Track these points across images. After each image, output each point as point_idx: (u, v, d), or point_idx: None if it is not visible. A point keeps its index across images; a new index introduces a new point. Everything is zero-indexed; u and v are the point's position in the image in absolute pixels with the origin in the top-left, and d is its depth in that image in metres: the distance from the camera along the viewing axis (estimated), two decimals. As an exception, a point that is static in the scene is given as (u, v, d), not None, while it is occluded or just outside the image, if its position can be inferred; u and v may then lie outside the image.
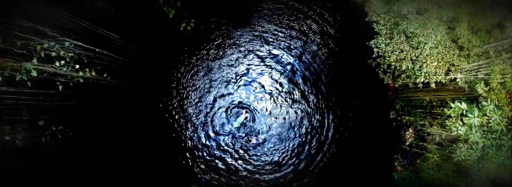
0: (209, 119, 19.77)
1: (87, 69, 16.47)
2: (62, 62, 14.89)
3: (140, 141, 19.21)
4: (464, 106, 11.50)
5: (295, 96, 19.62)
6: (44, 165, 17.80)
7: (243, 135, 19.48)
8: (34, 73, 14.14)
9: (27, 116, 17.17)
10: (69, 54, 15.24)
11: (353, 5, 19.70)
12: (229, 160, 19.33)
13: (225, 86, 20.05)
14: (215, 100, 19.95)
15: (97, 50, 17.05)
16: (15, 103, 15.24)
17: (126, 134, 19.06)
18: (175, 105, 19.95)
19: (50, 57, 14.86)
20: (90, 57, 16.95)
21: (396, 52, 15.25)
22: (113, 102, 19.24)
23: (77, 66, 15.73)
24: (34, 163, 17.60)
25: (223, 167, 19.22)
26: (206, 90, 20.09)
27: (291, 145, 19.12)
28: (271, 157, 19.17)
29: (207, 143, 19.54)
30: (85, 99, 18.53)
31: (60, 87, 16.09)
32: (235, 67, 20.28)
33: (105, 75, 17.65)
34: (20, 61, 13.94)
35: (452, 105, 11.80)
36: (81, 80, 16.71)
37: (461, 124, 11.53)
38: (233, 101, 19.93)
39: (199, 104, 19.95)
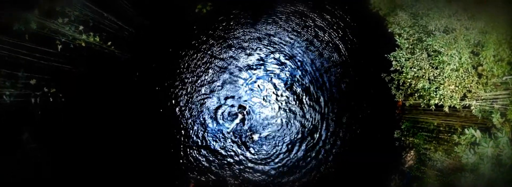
0: (210, 106, 18.91)
1: (91, 33, 15.72)
2: (66, 19, 14.04)
3: (133, 119, 18.31)
4: (478, 134, 10.80)
5: (301, 100, 18.82)
6: (28, 127, 17.02)
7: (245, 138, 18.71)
8: (34, 26, 13.32)
9: (20, 71, 16.36)
10: (75, 12, 14.39)
11: (374, 15, 19.00)
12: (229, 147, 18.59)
13: (230, 77, 19.22)
14: (218, 89, 19.10)
15: (105, 14, 16.22)
16: (9, 55, 14.44)
17: (120, 109, 18.20)
18: (175, 86, 19.07)
19: (53, 12, 14.01)
20: (96, 21, 16.15)
21: (414, 69, 14.55)
22: (113, 73, 18.42)
23: (81, 27, 14.94)
24: (17, 123, 16.84)
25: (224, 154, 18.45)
26: (210, 77, 19.22)
27: (286, 154, 18.39)
28: (268, 167, 18.42)
29: (206, 134, 18.72)
30: (84, 65, 17.75)
31: (59, 47, 15.37)
32: (243, 61, 19.42)
33: (109, 43, 16.89)
34: (20, 9, 13.07)
35: (466, 131, 11.10)
36: (83, 44, 15.99)
37: (472, 152, 10.80)
38: (234, 98, 19.07)
39: (201, 90, 19.11)
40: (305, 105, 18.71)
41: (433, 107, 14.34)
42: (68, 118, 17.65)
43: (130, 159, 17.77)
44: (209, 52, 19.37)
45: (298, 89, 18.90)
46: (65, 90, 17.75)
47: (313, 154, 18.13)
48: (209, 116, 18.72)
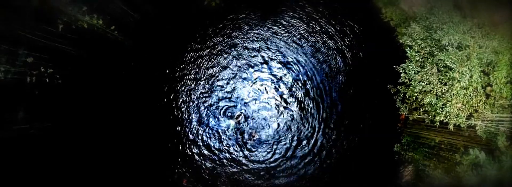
0: (209, 103, 18.39)
1: (95, 15, 15.20)
2: (69, -3, 13.53)
3: (129, 108, 17.75)
4: (483, 155, 10.44)
5: (302, 104, 18.35)
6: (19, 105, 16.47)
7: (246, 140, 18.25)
8: (35, 2, 12.79)
9: (20, 48, 15.80)
10: (79, -10, 13.84)
11: (385, 25, 18.66)
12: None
13: (232, 75, 18.71)
14: (219, 86, 18.57)
15: (111, -3, 15.77)
16: (6, 29, 13.86)
17: (117, 97, 17.66)
18: (175, 78, 18.50)
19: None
20: (101, 2, 15.60)
21: (423, 83, 14.18)
22: (113, 59, 17.87)
23: (85, 8, 14.42)
24: (13, 101, 16.25)
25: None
26: (212, 73, 18.68)
27: (280, 158, 17.93)
28: (262, 168, 17.96)
29: (203, 130, 18.20)
30: (84, 47, 17.19)
31: (61, 26, 14.84)
32: (246, 60, 18.87)
33: (112, 28, 16.37)
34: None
35: (471, 152, 10.74)
36: (85, 26, 15.47)
37: (474, 174, 10.42)
38: (234, 97, 18.55)
39: (201, 85, 18.58)
40: (306, 110, 18.29)
41: (438, 123, 13.98)
42: (63, 100, 17.09)
43: (124, 147, 17.28)
44: (213, 47, 18.87)
45: (300, 94, 18.47)
46: (63, 72, 17.17)
47: (308, 160, 17.71)
48: (206, 112, 18.24)
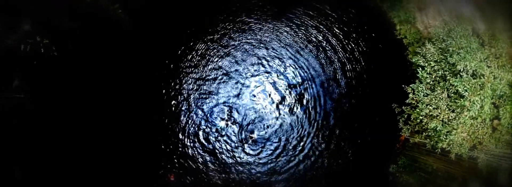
0: (208, 99, 17.51)
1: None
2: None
3: (124, 91, 16.73)
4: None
5: (302, 113, 17.59)
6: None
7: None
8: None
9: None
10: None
11: (397, 42, 18.16)
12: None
13: (236, 74, 17.81)
14: (220, 84, 17.66)
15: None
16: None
17: (112, 78, 16.66)
18: (174, 67, 17.42)
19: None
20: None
21: (430, 107, 13.63)
22: (112, 37, 16.81)
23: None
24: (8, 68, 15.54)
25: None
26: (216, 66, 17.69)
27: (271, 169, 17.27)
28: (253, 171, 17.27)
29: (197, 125, 17.31)
30: (84, 21, 16.22)
31: (62, -3, 13.87)
32: (252, 62, 17.86)
33: (116, 5, 15.50)
34: None
35: (471, 185, 10.16)
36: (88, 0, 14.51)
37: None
38: (234, 96, 17.75)
39: (202, 78, 17.56)
40: (305, 118, 17.58)
41: (439, 150, 13.46)
42: (58, 73, 16.26)
43: (115, 132, 16.34)
44: (221, 40, 17.96)
45: (301, 102, 17.71)
46: (59, 44, 16.30)
47: (295, 171, 17.02)
48: (204, 109, 17.32)
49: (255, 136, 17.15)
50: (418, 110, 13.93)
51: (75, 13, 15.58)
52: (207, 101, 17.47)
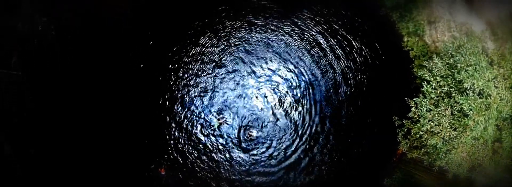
0: (207, 94, 16.99)
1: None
2: None
3: (119, 77, 16.19)
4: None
5: (299, 117, 17.17)
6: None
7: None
8: None
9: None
10: None
11: (403, 53, 17.74)
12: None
13: (237, 73, 17.29)
14: (220, 83, 17.14)
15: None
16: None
17: (107, 65, 16.11)
18: (175, 59, 16.95)
19: None
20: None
21: (432, 123, 13.13)
22: (110, 25, 16.26)
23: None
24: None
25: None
26: (218, 63, 17.23)
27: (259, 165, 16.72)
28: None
29: (192, 120, 16.72)
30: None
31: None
32: (254, 63, 17.53)
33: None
34: None
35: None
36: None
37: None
38: (234, 96, 17.24)
39: (203, 74, 17.00)
40: (303, 122, 17.14)
41: (437, 168, 12.99)
42: (56, 53, 15.83)
43: (109, 123, 15.80)
44: (226, 37, 17.45)
45: (301, 107, 17.34)
46: (58, 24, 15.88)
47: (290, 179, 16.52)
48: (201, 107, 16.83)
49: (250, 135, 16.71)
50: (419, 125, 13.44)
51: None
52: (204, 99, 16.98)
